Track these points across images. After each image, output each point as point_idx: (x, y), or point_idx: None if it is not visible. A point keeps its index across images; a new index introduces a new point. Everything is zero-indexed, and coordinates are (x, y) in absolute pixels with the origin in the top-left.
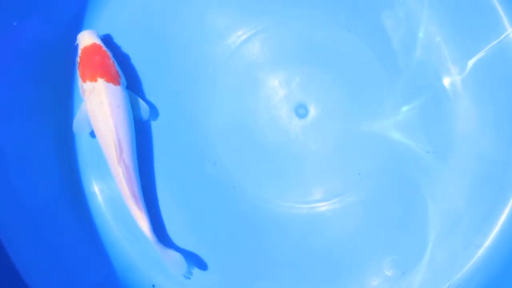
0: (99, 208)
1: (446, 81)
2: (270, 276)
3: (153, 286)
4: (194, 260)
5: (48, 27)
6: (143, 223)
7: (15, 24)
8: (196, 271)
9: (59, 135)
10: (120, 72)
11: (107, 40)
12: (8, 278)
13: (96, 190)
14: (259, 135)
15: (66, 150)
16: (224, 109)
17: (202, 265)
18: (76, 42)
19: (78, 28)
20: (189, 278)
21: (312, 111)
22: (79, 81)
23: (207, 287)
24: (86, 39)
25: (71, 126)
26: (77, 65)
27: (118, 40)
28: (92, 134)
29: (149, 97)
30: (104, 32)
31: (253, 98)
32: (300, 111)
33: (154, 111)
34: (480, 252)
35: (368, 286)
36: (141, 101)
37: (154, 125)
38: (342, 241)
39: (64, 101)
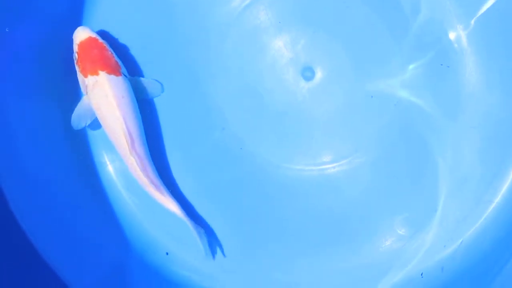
0: (110, 177)
1: (452, 38)
2: (282, 239)
3: (167, 253)
4: (205, 226)
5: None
6: (172, 206)
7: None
8: (206, 232)
9: (68, 107)
10: (119, 62)
11: (101, 30)
12: (21, 248)
13: (106, 160)
14: (266, 99)
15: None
16: (230, 74)
17: (213, 231)
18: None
19: (71, 26)
20: (212, 258)
21: (319, 73)
22: (80, 77)
23: (219, 252)
24: (81, 34)
25: (79, 98)
26: (76, 61)
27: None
28: (91, 126)
29: (154, 69)
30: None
31: (259, 62)
32: (307, 73)
33: (159, 87)
34: (491, 208)
35: (381, 245)
36: (146, 81)
37: (160, 96)
38: (353, 202)
39: (70, 75)
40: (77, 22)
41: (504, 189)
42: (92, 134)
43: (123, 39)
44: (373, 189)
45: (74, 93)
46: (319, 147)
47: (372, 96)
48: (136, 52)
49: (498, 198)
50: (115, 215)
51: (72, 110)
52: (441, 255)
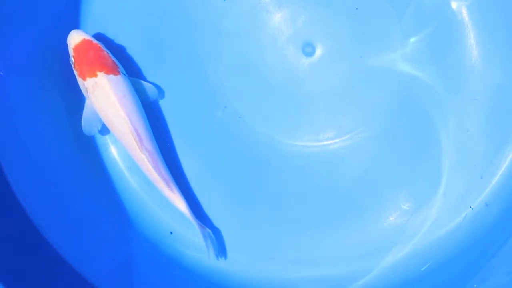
0: (112, 159)
1: (453, 10)
2: (285, 215)
3: (171, 233)
4: (208, 204)
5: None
6: (180, 204)
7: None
8: (210, 212)
9: (68, 91)
10: (117, 61)
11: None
12: (24, 230)
13: (108, 142)
14: (267, 76)
15: (75, 103)
16: (231, 53)
17: (218, 211)
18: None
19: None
20: (222, 257)
21: (319, 49)
22: (79, 80)
23: (222, 231)
24: (75, 37)
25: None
26: (73, 65)
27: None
28: (102, 131)
29: (152, 50)
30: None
31: (259, 39)
32: (307, 49)
33: (159, 90)
34: (495, 180)
35: (385, 220)
36: (145, 83)
37: (162, 76)
38: (356, 178)
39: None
40: (72, 25)
41: (508, 160)
42: None
43: (118, 25)
44: (376, 164)
45: (71, 79)
46: (321, 123)
47: (373, 71)
48: (134, 34)
49: (502, 170)
50: (118, 196)
51: (74, 96)
52: (446, 229)
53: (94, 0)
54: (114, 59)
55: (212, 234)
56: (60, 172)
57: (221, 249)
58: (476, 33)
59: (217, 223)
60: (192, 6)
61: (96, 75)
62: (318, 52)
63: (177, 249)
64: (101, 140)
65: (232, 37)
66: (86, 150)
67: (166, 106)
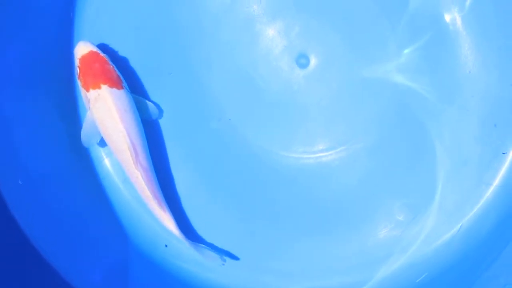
0: (106, 171)
1: (446, 21)
2: (280, 227)
3: (166, 246)
4: (203, 216)
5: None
6: (169, 223)
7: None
8: (205, 225)
9: (63, 104)
10: (121, 76)
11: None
12: (18, 243)
13: (102, 155)
14: (262, 88)
15: (70, 117)
16: (225, 65)
17: (212, 223)
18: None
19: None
20: (224, 264)
21: (313, 60)
22: (82, 91)
23: (217, 242)
24: (82, 48)
25: (74, 95)
26: (77, 76)
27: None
28: (101, 143)
29: (148, 63)
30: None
31: (253, 51)
32: (302, 61)
33: (160, 110)
34: (491, 190)
35: (380, 232)
36: (147, 102)
37: (157, 88)
38: (351, 189)
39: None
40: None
41: (503, 171)
42: None
43: (115, 34)
44: (371, 175)
45: (69, 90)
46: (316, 134)
47: (367, 82)
48: (129, 45)
49: (497, 181)
50: (113, 209)
51: (69, 107)
52: (441, 240)
53: (87, 17)
54: (118, 73)
55: (206, 247)
56: (54, 185)
57: (220, 257)
58: (470, 43)
59: (211, 235)
60: (186, 18)
61: (99, 87)
62: (312, 63)
63: (172, 262)
64: (96, 153)
65: (226, 49)
66: (81, 163)
67: (160, 118)
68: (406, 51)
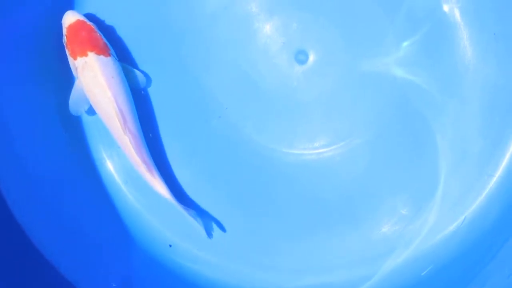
0: (109, 173)
1: (444, 11)
2: (283, 224)
3: (170, 245)
4: (206, 216)
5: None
6: (160, 188)
7: None
8: (208, 223)
9: (63, 106)
10: (108, 44)
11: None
12: (23, 249)
13: (104, 156)
14: (262, 85)
15: (71, 120)
16: (224, 62)
17: (214, 220)
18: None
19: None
20: (211, 237)
21: (312, 56)
22: (70, 60)
23: (219, 241)
24: (70, 17)
25: None
26: (65, 45)
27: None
28: (89, 112)
29: (146, 60)
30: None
31: (252, 48)
32: (300, 57)
33: (148, 78)
34: (493, 181)
35: (384, 226)
36: (135, 70)
37: (154, 87)
38: (353, 184)
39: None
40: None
41: (505, 161)
42: (89, 131)
43: (115, 30)
44: (373, 170)
45: (69, 88)
46: (316, 130)
47: (367, 76)
48: (128, 43)
49: (499, 172)
50: (116, 210)
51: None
52: (445, 232)
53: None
54: (106, 41)
55: (197, 216)
56: (56, 187)
57: (211, 227)
58: (468, 34)
59: (213, 232)
60: (182, 16)
61: (86, 55)
62: (311, 59)
63: (176, 261)
64: (98, 154)
65: (225, 46)
66: (83, 164)
67: (160, 115)
68: (404, 44)
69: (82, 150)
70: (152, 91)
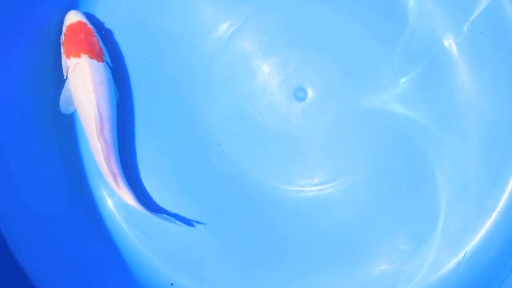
0: (109, 212)
1: (441, 48)
2: (282, 261)
3: (171, 284)
4: (207, 250)
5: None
6: (128, 198)
7: None
8: (209, 261)
9: (64, 145)
10: (104, 50)
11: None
12: (19, 284)
13: (105, 195)
14: (261, 122)
15: (71, 158)
16: (223, 101)
17: (215, 256)
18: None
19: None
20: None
21: (311, 93)
22: (63, 58)
23: (219, 279)
24: (72, 17)
25: (75, 134)
26: (62, 43)
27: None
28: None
29: (143, 98)
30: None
31: (251, 86)
32: (299, 94)
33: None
34: (493, 216)
35: (384, 262)
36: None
37: (154, 124)
38: (353, 221)
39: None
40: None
41: (505, 196)
42: (89, 169)
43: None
44: (373, 206)
45: (70, 128)
46: (316, 167)
47: (365, 112)
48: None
49: (499, 207)
50: (116, 249)
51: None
52: (446, 268)
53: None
54: (103, 47)
55: (168, 217)
56: (56, 226)
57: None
58: (466, 70)
59: (212, 269)
60: (181, 55)
61: (79, 56)
62: (310, 96)
63: None
64: (98, 193)
65: (224, 85)
66: (83, 203)
67: (160, 153)
68: (402, 80)
69: (82, 188)
70: (147, 130)
